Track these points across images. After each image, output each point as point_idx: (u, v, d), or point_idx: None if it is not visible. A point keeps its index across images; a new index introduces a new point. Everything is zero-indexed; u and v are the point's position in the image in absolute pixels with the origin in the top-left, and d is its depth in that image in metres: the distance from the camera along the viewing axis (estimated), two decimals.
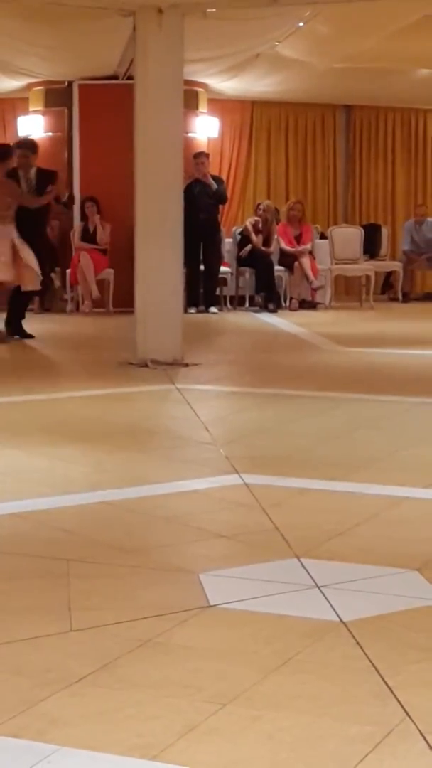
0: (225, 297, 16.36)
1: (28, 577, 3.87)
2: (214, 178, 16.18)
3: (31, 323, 13.77)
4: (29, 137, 13.28)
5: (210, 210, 15.60)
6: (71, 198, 12.52)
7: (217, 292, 16.14)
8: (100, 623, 3.34)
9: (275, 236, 16.34)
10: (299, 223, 16.60)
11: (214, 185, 15.78)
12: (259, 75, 15.99)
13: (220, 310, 15.93)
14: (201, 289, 15.72)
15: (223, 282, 16.27)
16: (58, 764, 2.46)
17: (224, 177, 18.00)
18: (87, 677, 2.93)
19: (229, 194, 18.13)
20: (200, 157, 15.86)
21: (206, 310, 15.55)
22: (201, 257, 15.60)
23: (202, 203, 15.23)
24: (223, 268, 16.21)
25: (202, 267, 15.67)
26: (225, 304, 16.29)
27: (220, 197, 16.11)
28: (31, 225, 11.52)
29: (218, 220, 16.10)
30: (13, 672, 2.98)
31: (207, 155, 16.14)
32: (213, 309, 15.65)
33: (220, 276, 16.11)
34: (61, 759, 2.48)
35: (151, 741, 2.56)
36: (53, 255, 15.82)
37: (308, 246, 16.37)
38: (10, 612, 3.48)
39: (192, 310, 15.03)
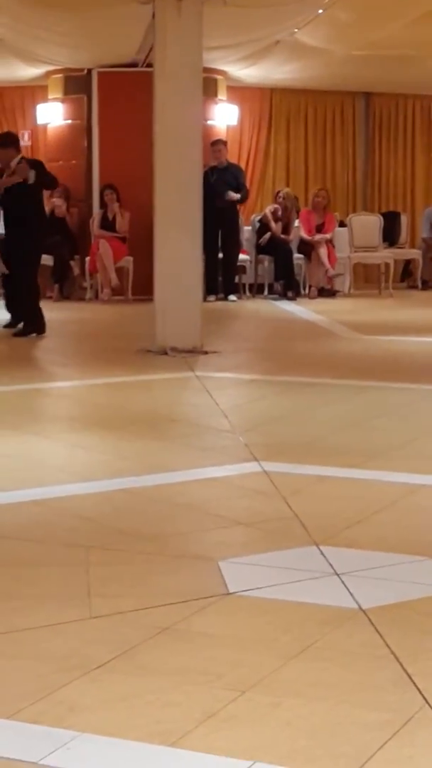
0: (244, 285, 16.33)
1: (47, 564, 3.88)
2: (233, 165, 16.14)
3: (50, 311, 13.82)
4: (5, 132, 12.98)
5: (222, 196, 15.49)
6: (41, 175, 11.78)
7: (236, 279, 16.11)
8: (119, 610, 3.35)
9: (294, 224, 16.30)
10: (323, 211, 16.50)
11: (237, 196, 15.73)
12: (278, 62, 15.94)
13: (239, 297, 15.91)
14: (219, 277, 15.69)
15: (242, 270, 16.24)
16: (77, 750, 2.47)
17: (243, 164, 17.95)
18: (106, 664, 2.94)
19: (248, 182, 18.10)
20: (218, 144, 15.82)
21: (225, 298, 15.53)
22: (219, 245, 15.56)
23: (219, 191, 15.20)
24: (242, 256, 16.17)
25: (220, 255, 15.64)
26: (244, 291, 16.27)
27: (244, 200, 16.11)
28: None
29: (236, 207, 16.05)
30: (32, 658, 3.00)
31: (225, 143, 16.09)
32: (232, 297, 15.63)
33: (239, 264, 16.08)
34: (80, 745, 2.49)
35: (170, 727, 2.57)
36: (72, 243, 15.85)
37: (326, 236, 16.29)
38: (29, 599, 3.49)
39: (211, 298, 15.01)
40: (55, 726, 2.58)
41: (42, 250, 11.96)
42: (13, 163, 11.17)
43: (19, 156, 11.41)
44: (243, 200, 16.09)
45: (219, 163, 15.61)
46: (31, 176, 10.91)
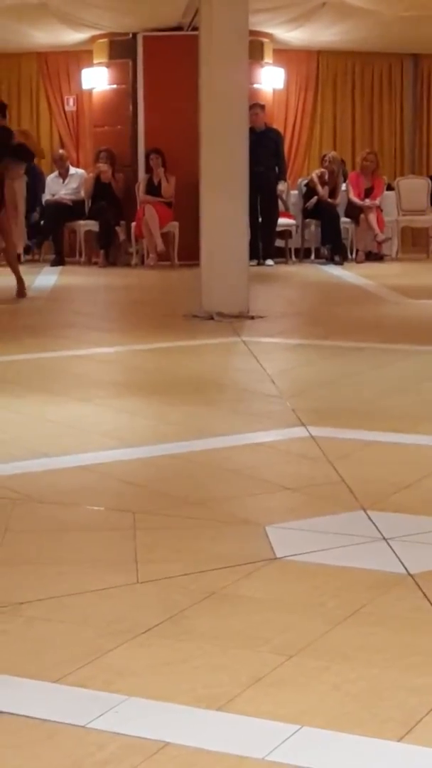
0: (290, 249, 16.26)
1: (94, 529, 3.88)
2: (272, 130, 15.95)
3: (96, 277, 13.85)
4: None
5: (267, 162, 15.37)
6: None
7: (282, 244, 16.02)
8: (166, 575, 3.35)
9: (341, 188, 16.19)
10: (372, 174, 16.34)
11: (282, 188, 15.73)
12: (325, 24, 15.80)
13: (286, 262, 15.85)
14: (260, 242, 15.55)
15: (289, 234, 16.16)
16: (125, 714, 2.47)
17: (289, 128, 17.84)
18: (154, 628, 2.95)
19: (294, 145, 18.00)
20: (254, 108, 15.54)
21: (263, 263, 15.41)
22: (258, 210, 15.39)
23: (258, 155, 15.03)
24: (288, 221, 16.09)
25: (259, 219, 15.48)
26: (290, 256, 16.20)
27: (284, 175, 16.02)
28: None
29: (275, 171, 15.88)
30: (80, 623, 3.00)
31: (262, 106, 15.83)
32: (269, 262, 15.51)
33: (285, 228, 16.00)
34: (127, 709, 2.49)
35: (218, 692, 2.57)
36: (118, 208, 15.82)
37: (376, 202, 16.15)
38: (77, 564, 3.50)
39: (252, 263, 14.91)
40: (103, 690, 2.58)
41: None
42: None
43: None
44: (283, 175, 15.96)
45: (256, 127, 15.44)
46: None
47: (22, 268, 11.88)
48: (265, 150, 15.35)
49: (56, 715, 2.47)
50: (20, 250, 12.32)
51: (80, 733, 2.39)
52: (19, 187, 11.35)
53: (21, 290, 11.34)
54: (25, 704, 2.53)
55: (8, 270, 11.61)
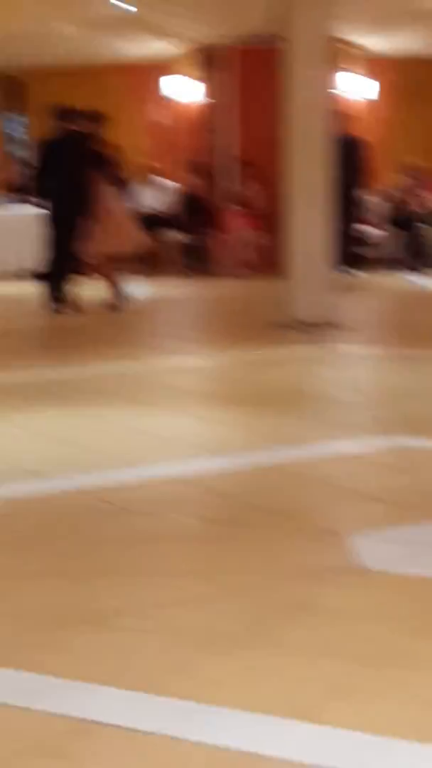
0: (374, 259, 16.19)
1: (179, 539, 3.91)
2: (355, 138, 15.86)
3: (183, 287, 13.90)
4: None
5: (349, 170, 15.23)
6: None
7: (365, 253, 15.95)
8: (252, 585, 3.37)
9: (425, 196, 16.12)
10: None
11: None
12: (411, 32, 15.74)
13: (369, 271, 15.77)
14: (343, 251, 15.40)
15: (372, 244, 16.09)
16: (214, 724, 2.48)
17: (374, 137, 17.75)
18: (236, 639, 2.96)
19: (379, 154, 17.90)
20: (337, 116, 15.48)
21: (346, 272, 15.31)
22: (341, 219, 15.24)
23: (341, 163, 14.91)
24: (372, 230, 16.03)
25: (342, 228, 15.35)
26: (374, 265, 16.12)
27: (362, 181, 15.92)
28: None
29: (358, 180, 15.76)
30: (170, 633, 3.02)
31: (345, 114, 15.67)
32: (352, 271, 15.44)
33: (369, 238, 15.93)
34: (215, 719, 2.50)
35: (304, 702, 2.57)
36: (207, 220, 15.87)
37: None
38: (167, 574, 3.52)
39: (336, 272, 14.81)
40: (191, 700, 2.60)
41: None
42: None
43: None
44: (365, 184, 15.86)
45: (339, 135, 15.31)
46: None
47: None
48: (348, 159, 15.27)
49: (143, 723, 2.48)
50: (131, 249, 12.01)
51: (169, 744, 2.41)
52: (103, 191, 11.36)
53: (113, 301, 11.32)
54: (115, 714, 2.54)
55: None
